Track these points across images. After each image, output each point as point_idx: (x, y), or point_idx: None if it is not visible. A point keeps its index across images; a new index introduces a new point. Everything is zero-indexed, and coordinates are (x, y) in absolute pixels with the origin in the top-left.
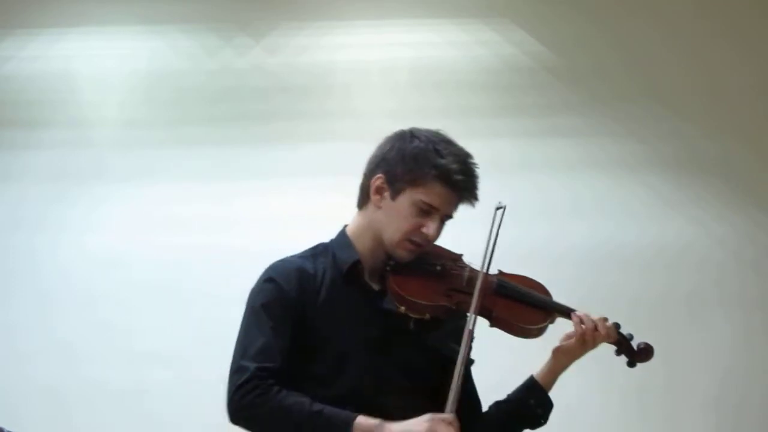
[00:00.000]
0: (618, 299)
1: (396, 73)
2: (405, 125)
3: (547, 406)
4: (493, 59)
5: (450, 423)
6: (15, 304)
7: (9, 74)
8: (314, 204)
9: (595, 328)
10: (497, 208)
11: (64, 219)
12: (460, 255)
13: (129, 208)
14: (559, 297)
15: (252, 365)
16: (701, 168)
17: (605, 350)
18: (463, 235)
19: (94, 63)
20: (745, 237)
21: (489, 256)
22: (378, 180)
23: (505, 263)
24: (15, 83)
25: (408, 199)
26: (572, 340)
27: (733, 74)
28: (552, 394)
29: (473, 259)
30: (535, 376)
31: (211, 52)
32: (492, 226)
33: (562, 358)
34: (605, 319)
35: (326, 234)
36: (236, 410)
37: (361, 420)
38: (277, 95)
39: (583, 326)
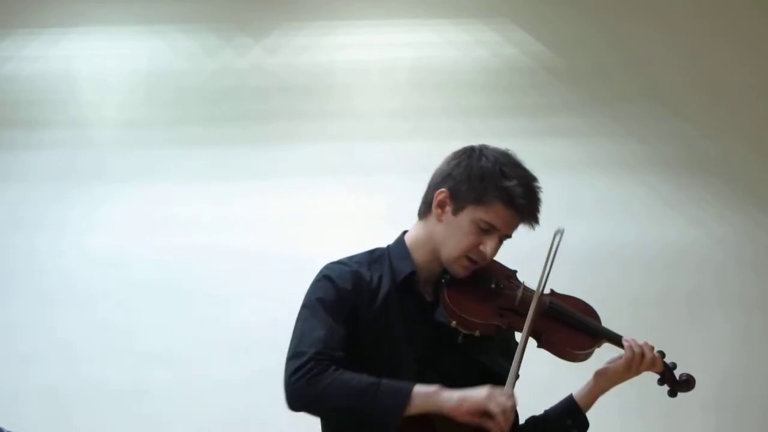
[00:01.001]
0: (618, 299)
1: (396, 73)
2: (405, 125)
3: (583, 427)
4: (493, 59)
5: (509, 395)
6: (15, 304)
7: (9, 74)
8: (314, 204)
9: (642, 356)
10: (556, 233)
11: (65, 219)
12: (515, 271)
13: (129, 208)
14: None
15: (310, 350)
16: (701, 168)
17: (603, 351)
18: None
19: (94, 63)
20: (745, 237)
21: (544, 280)
22: (442, 194)
23: (504, 263)
24: (15, 83)
25: (469, 216)
26: (618, 365)
27: (733, 74)
28: (552, 394)
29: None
30: (574, 395)
31: (211, 52)
32: (550, 250)
33: (604, 382)
34: (652, 348)
35: (326, 233)
36: (294, 393)
37: (419, 387)
38: (277, 95)
39: (632, 353)
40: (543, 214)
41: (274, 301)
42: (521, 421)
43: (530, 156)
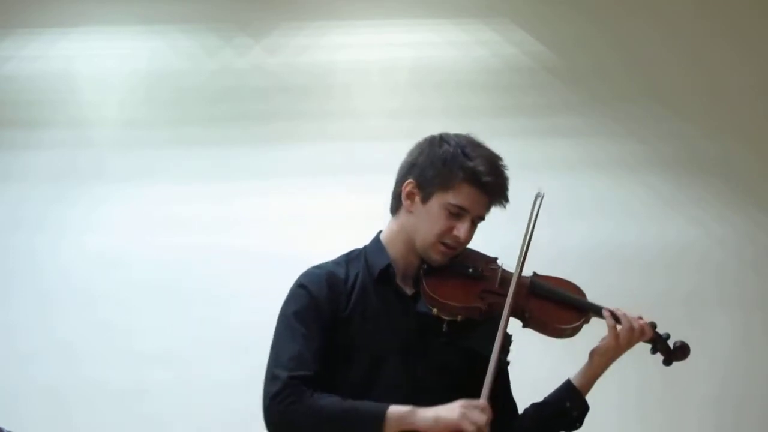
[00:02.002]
0: (618, 299)
1: (396, 73)
2: (405, 125)
3: (583, 409)
4: (493, 59)
5: (483, 409)
6: (15, 304)
7: (9, 74)
8: (314, 204)
9: (630, 326)
10: (537, 196)
11: (64, 219)
12: (495, 258)
13: (129, 208)
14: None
15: (284, 374)
16: (701, 168)
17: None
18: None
19: (94, 63)
20: (745, 237)
21: (524, 254)
22: (409, 185)
23: (505, 263)
24: (15, 83)
25: (438, 202)
26: (607, 340)
27: (733, 74)
28: (550, 388)
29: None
30: (572, 379)
31: (211, 52)
32: (531, 214)
33: (599, 359)
34: (640, 318)
35: (326, 233)
36: (272, 420)
37: (393, 409)
38: (277, 95)
39: (617, 324)
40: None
41: (274, 301)
42: (520, 409)
43: (530, 156)
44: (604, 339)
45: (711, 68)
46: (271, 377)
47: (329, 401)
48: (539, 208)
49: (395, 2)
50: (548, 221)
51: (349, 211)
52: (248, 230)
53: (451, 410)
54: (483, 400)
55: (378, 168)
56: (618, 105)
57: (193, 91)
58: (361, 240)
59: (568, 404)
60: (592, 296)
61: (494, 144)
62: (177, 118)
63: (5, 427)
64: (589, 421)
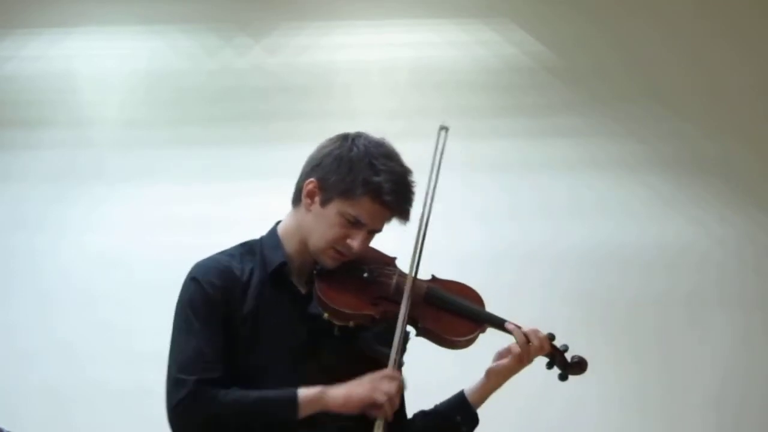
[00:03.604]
0: (618, 299)
1: (396, 73)
2: (405, 125)
3: (473, 424)
4: (493, 59)
5: (391, 377)
6: (15, 304)
7: (9, 74)
8: None
9: (528, 341)
10: (441, 129)
11: (65, 219)
12: (394, 258)
13: (129, 208)
14: (558, 297)
15: (190, 378)
16: (701, 168)
17: (603, 351)
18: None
19: (94, 63)
20: (745, 237)
21: (417, 258)
22: (311, 184)
23: (505, 263)
24: (15, 83)
25: (337, 208)
26: (507, 360)
27: (733, 74)
28: (552, 394)
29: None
30: (465, 392)
31: (211, 52)
32: (435, 150)
33: (496, 379)
34: (537, 331)
35: None
36: (180, 425)
37: (303, 392)
38: (277, 95)
39: (517, 344)
40: (545, 211)
41: None
42: (409, 415)
43: (530, 156)
44: (500, 357)
45: (711, 68)
46: (174, 382)
47: (237, 396)
48: (444, 143)
49: (395, 2)
50: (548, 221)
51: None
52: (248, 230)
53: (360, 385)
54: (390, 369)
55: None
56: (618, 105)
57: (193, 91)
58: None
59: (458, 418)
60: (594, 296)
61: (494, 144)
62: (177, 118)
63: (5, 427)
64: (590, 421)
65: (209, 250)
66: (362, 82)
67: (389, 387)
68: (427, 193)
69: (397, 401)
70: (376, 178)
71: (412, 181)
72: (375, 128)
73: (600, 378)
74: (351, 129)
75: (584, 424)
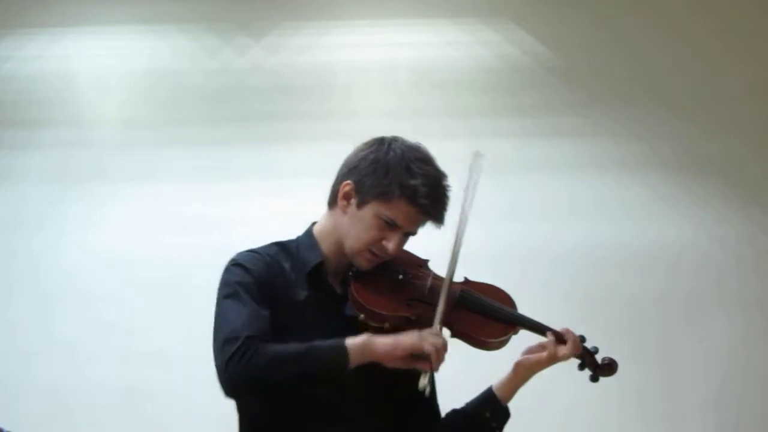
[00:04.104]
0: (618, 299)
1: (396, 73)
2: (405, 125)
3: (503, 418)
4: (493, 59)
5: (438, 334)
6: (16, 304)
7: (9, 74)
8: (314, 204)
9: (562, 342)
10: (475, 156)
11: (65, 219)
12: (426, 261)
13: (129, 208)
14: (558, 297)
15: (242, 333)
16: (701, 168)
17: (603, 351)
18: None
19: (94, 63)
20: (745, 237)
21: (454, 261)
22: (347, 186)
23: (505, 263)
24: (15, 83)
25: (373, 210)
26: (538, 355)
27: (733, 74)
28: (552, 393)
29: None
30: (494, 388)
31: (211, 52)
32: (470, 178)
33: (525, 373)
34: (569, 332)
35: None
36: (236, 377)
37: (350, 341)
38: (277, 95)
39: (550, 341)
40: (545, 211)
41: None
42: (442, 415)
43: (530, 156)
44: (530, 352)
45: (711, 68)
46: (224, 342)
47: (286, 345)
48: (477, 177)
49: (395, 2)
50: (548, 221)
51: None
52: (248, 230)
53: (408, 335)
54: (437, 328)
55: None
56: (618, 105)
57: (193, 91)
58: None
59: (488, 414)
60: (594, 296)
61: (494, 144)
62: (177, 118)
63: (5, 427)
64: (590, 421)
65: (209, 250)
66: (362, 82)
67: (437, 340)
68: (465, 197)
69: (443, 355)
70: (413, 182)
71: (448, 186)
72: (375, 128)
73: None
74: (351, 129)
75: (584, 424)
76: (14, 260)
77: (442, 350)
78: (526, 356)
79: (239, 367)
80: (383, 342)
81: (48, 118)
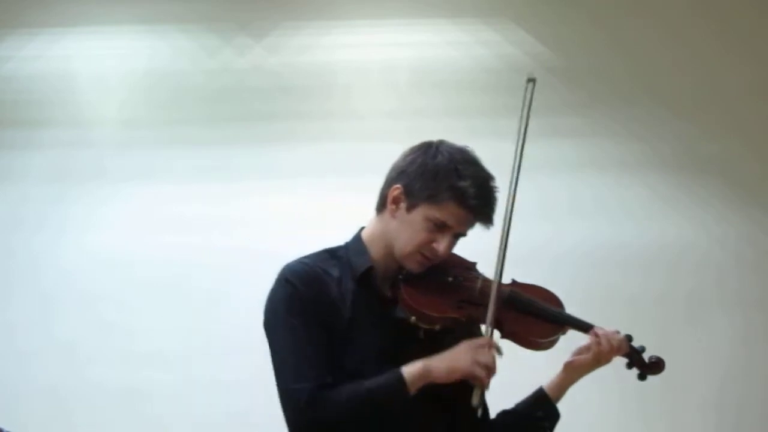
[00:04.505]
0: (618, 299)
1: (396, 73)
2: (405, 125)
3: (554, 418)
4: (493, 59)
5: (489, 346)
6: (16, 304)
7: (9, 74)
8: (314, 204)
9: (609, 342)
10: (528, 81)
11: (65, 219)
12: (474, 263)
13: (129, 208)
14: (558, 297)
15: (306, 386)
16: (701, 168)
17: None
18: None
19: (94, 63)
20: (745, 237)
21: (501, 262)
22: (396, 191)
23: (505, 263)
24: (15, 83)
25: (423, 213)
26: (585, 356)
27: (733, 74)
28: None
29: None
30: (544, 387)
31: (211, 52)
32: (524, 104)
33: (574, 373)
34: (617, 332)
35: (326, 233)
36: (302, 428)
37: (407, 370)
38: (277, 95)
39: (598, 341)
40: (545, 211)
41: None
42: (492, 416)
43: (530, 156)
44: (580, 352)
45: (711, 68)
46: (290, 394)
47: (349, 392)
48: (532, 95)
49: (395, 2)
50: (548, 221)
51: (349, 211)
52: (248, 230)
53: (460, 358)
54: (486, 338)
55: (378, 168)
56: (618, 105)
57: (193, 91)
58: None
59: (540, 413)
60: (593, 296)
61: (494, 144)
62: (177, 118)
63: (5, 427)
64: (590, 421)
65: (209, 250)
66: (362, 82)
67: (488, 358)
68: (510, 190)
69: (495, 369)
70: (462, 183)
71: (495, 187)
72: (375, 128)
73: (600, 378)
74: (351, 129)
75: (584, 424)
76: (14, 260)
77: (492, 367)
78: (575, 357)
79: (309, 424)
80: (439, 368)
81: (48, 118)
